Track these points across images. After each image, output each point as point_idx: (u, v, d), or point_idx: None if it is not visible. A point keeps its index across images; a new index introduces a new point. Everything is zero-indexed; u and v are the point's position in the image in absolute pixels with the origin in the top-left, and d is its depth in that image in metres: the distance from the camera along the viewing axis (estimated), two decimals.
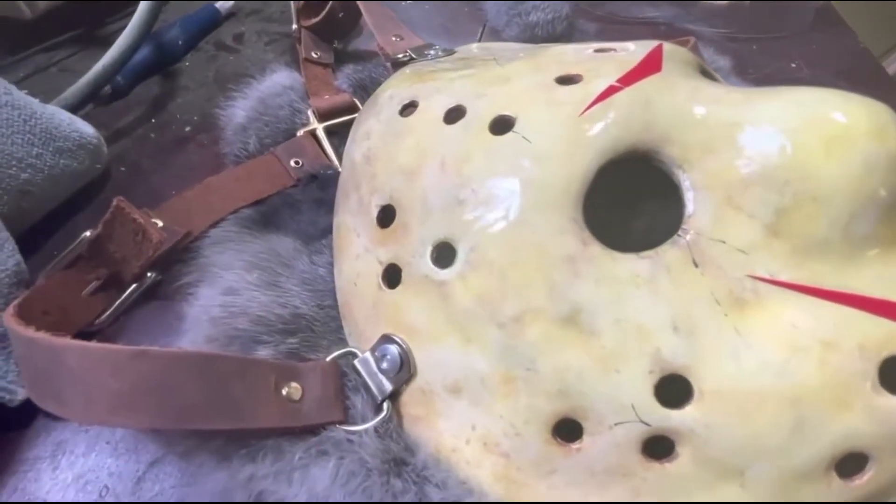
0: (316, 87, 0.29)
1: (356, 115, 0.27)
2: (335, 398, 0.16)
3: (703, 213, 0.14)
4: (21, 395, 0.16)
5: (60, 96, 0.23)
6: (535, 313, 0.14)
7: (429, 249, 0.16)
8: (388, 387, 0.16)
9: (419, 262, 0.16)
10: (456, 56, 0.23)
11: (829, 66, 0.38)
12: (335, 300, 0.20)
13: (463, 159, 0.16)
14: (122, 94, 0.29)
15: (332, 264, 0.20)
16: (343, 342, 0.19)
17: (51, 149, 0.20)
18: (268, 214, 0.23)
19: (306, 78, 0.30)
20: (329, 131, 0.26)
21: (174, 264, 0.21)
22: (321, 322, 0.19)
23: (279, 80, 0.28)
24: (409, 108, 0.20)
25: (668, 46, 0.18)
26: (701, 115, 0.15)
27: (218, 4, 0.35)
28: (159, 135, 0.28)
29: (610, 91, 0.16)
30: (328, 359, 0.17)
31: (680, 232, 0.14)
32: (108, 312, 0.19)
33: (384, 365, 0.16)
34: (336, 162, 0.25)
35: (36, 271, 0.19)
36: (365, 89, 0.28)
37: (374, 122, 0.20)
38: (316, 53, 0.32)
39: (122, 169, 0.25)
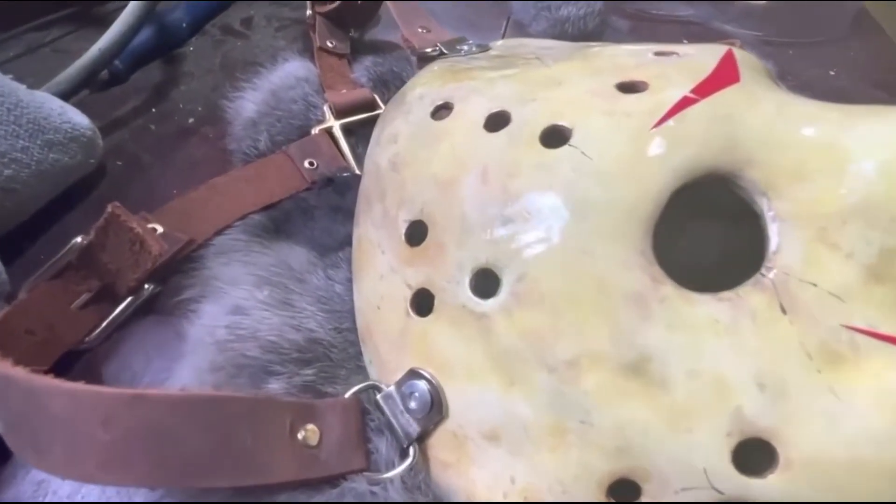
0: (331, 80, 0.27)
1: (377, 112, 0.25)
2: (357, 441, 0.14)
3: (791, 250, 0.12)
4: None
5: (52, 81, 0.21)
6: (594, 358, 0.12)
7: (468, 276, 0.14)
8: (416, 429, 0.14)
9: (456, 290, 0.14)
10: (492, 53, 0.21)
11: (868, 75, 0.36)
12: (353, 322, 0.18)
13: (509, 173, 0.14)
14: (120, 79, 0.27)
15: (350, 280, 0.18)
16: (363, 370, 0.17)
17: (39, 142, 0.18)
18: (279, 221, 0.20)
19: (321, 69, 0.27)
20: (346, 129, 0.24)
21: (174, 275, 0.19)
22: (339, 348, 0.17)
23: (292, 70, 0.26)
24: (442, 110, 0.17)
25: (738, 52, 0.16)
26: (792, 134, 0.13)
27: None
28: (160, 126, 0.25)
29: (685, 103, 0.13)
30: (348, 394, 0.15)
31: (763, 270, 0.12)
32: (99, 328, 0.17)
33: (412, 404, 0.14)
34: (353, 163, 0.23)
35: (20, 279, 0.17)
36: (385, 84, 0.26)
37: (402, 124, 0.18)
38: (331, 42, 0.29)
39: (119, 163, 0.23)
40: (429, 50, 0.22)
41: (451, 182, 0.15)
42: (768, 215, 0.13)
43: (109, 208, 0.16)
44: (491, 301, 0.14)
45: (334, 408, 0.14)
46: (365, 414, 0.15)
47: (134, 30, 0.22)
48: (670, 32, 0.37)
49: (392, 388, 0.15)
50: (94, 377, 0.17)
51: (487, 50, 0.21)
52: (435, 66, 0.20)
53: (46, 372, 0.14)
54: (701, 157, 0.13)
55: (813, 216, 0.12)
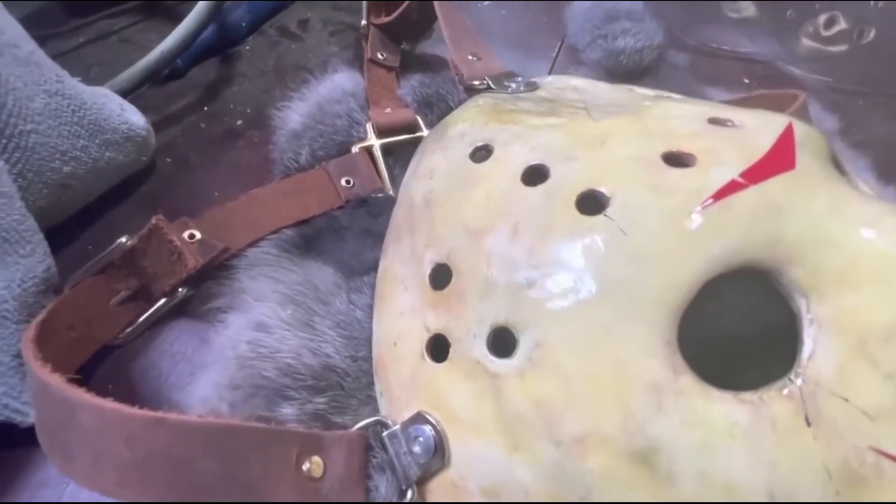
0: (377, 95, 0.27)
1: (418, 134, 0.25)
2: (358, 477, 0.14)
3: (826, 359, 0.12)
4: (32, 417, 0.15)
5: (115, 79, 0.22)
6: (602, 440, 0.12)
7: (486, 331, 0.14)
8: (417, 473, 0.15)
9: (472, 343, 0.15)
10: (539, 95, 0.20)
11: None
12: (370, 350, 0.18)
13: (540, 233, 0.14)
14: (178, 75, 0.28)
15: (371, 307, 0.19)
16: (373, 401, 0.17)
17: (97, 141, 0.19)
18: (310, 237, 0.21)
19: (368, 81, 0.28)
20: (386, 149, 0.24)
21: (207, 281, 0.19)
22: (353, 377, 0.17)
23: (340, 82, 0.26)
24: (481, 152, 0.17)
25: (799, 130, 0.15)
26: (843, 235, 0.12)
27: None
28: (210, 125, 0.26)
29: (732, 188, 0.13)
30: (355, 428, 0.15)
31: (792, 376, 0.12)
32: (133, 326, 0.18)
33: (416, 447, 0.15)
34: (389, 185, 0.23)
35: (69, 265, 0.18)
36: (430, 106, 0.26)
37: (440, 160, 0.18)
38: (382, 55, 0.30)
39: (169, 160, 0.24)
40: (476, 83, 0.22)
41: (481, 232, 0.15)
42: (806, 318, 0.12)
43: (154, 220, 0.16)
44: (506, 361, 0.14)
45: (340, 442, 0.15)
46: (369, 450, 0.15)
47: (195, 34, 0.23)
48: (731, 70, 0.35)
49: (398, 428, 0.15)
50: (123, 373, 0.18)
51: (535, 90, 0.21)
52: (480, 101, 0.20)
53: (81, 370, 0.15)
54: (742, 249, 0.12)
55: (855, 327, 0.12)
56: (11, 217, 0.15)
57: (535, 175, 0.16)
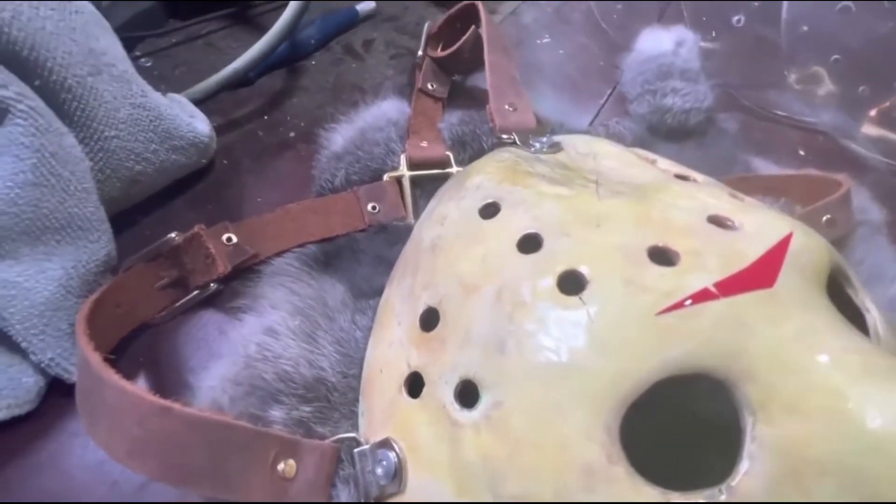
0: (419, 124, 0.29)
1: (446, 170, 0.27)
2: (325, 484, 0.16)
3: (758, 481, 0.12)
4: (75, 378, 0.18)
5: (193, 88, 0.25)
6: None
7: (456, 380, 0.16)
8: (375, 492, 0.16)
9: (443, 389, 0.16)
10: (559, 158, 0.21)
11: None
12: (361, 369, 0.20)
13: (520, 303, 0.16)
14: (249, 82, 0.31)
15: (370, 330, 0.21)
16: (354, 416, 0.19)
17: (166, 146, 0.22)
18: (330, 255, 0.23)
19: (414, 111, 0.29)
20: (414, 181, 0.26)
21: (236, 280, 0.22)
22: (340, 392, 0.19)
23: (386, 110, 0.28)
24: (490, 209, 0.19)
25: (796, 243, 0.15)
26: (802, 364, 0.13)
27: (359, 6, 0.36)
28: (267, 134, 0.29)
29: (703, 296, 0.14)
30: (331, 440, 0.17)
31: (723, 487, 0.13)
32: (169, 310, 0.21)
33: (378, 470, 0.16)
34: (412, 215, 0.25)
35: (129, 246, 0.21)
36: (463, 145, 0.27)
37: (453, 209, 0.20)
38: (432, 85, 0.31)
39: (225, 162, 0.27)
40: (504, 137, 0.23)
41: (472, 288, 0.17)
42: (750, 435, 0.13)
43: (196, 228, 0.19)
44: (467, 412, 0.15)
45: (315, 450, 0.17)
46: (339, 462, 0.17)
47: (265, 56, 0.26)
48: (788, 139, 0.34)
49: (368, 448, 0.17)
50: (155, 349, 0.21)
51: (558, 151, 0.22)
52: (504, 155, 0.21)
53: (121, 342, 0.18)
54: (698, 357, 0.13)
55: (794, 456, 0.12)
56: (87, 209, 0.18)
57: (529, 243, 0.17)
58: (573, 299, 0.15)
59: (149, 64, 0.31)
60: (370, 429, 0.18)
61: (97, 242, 0.19)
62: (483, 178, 0.20)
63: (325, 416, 0.18)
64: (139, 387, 0.15)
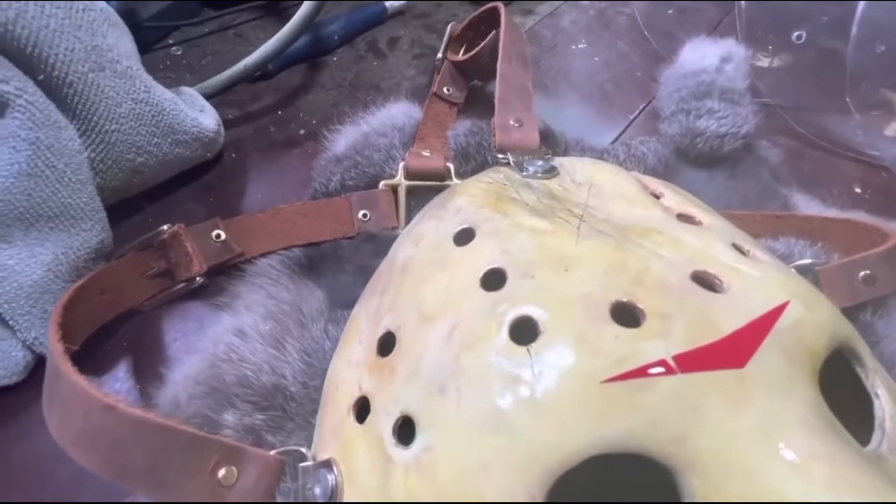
0: (427, 131, 0.28)
1: (444, 182, 0.26)
2: (264, 495, 0.17)
3: None
4: None
5: (203, 83, 0.26)
6: None
7: (397, 415, 0.15)
8: None
9: (383, 421, 0.16)
10: (550, 185, 0.20)
11: None
12: (323, 381, 0.20)
13: (469, 344, 0.15)
14: (268, 76, 0.31)
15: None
16: (311, 426, 0.19)
17: (169, 140, 0.23)
18: (314, 260, 0.23)
19: (425, 115, 0.29)
20: (410, 191, 0.25)
21: (222, 275, 0.23)
22: (297, 402, 0.19)
23: (392, 115, 0.28)
24: (465, 235, 0.18)
25: (790, 317, 0.13)
26: (757, 467, 0.11)
27: (388, 3, 0.35)
28: (278, 130, 0.29)
29: (658, 367, 0.12)
30: (276, 452, 0.17)
31: None
32: (156, 298, 0.22)
33: (317, 489, 0.16)
34: (404, 225, 0.25)
35: (132, 231, 0.22)
36: (467, 158, 0.26)
37: (431, 230, 0.19)
38: (448, 90, 0.30)
39: (234, 155, 0.28)
40: (500, 156, 0.22)
41: (429, 320, 0.16)
42: None
43: (176, 227, 0.20)
44: (401, 450, 0.15)
45: (258, 460, 0.17)
46: (281, 474, 0.17)
47: (277, 53, 0.26)
48: (842, 173, 0.31)
49: (311, 465, 0.17)
50: (138, 335, 0.22)
51: (552, 177, 0.21)
52: (491, 176, 0.20)
53: (107, 326, 0.19)
54: (639, 438, 0.12)
55: None
56: (81, 199, 0.19)
57: (493, 279, 0.16)
58: (521, 350, 0.14)
59: (179, 52, 0.32)
60: (319, 444, 0.18)
61: (90, 231, 0.20)
62: (465, 200, 0.19)
63: (278, 425, 0.18)
64: (117, 374, 0.15)
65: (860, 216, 0.26)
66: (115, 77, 0.20)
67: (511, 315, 0.14)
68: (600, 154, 0.28)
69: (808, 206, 0.28)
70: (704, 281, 0.15)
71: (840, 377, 0.15)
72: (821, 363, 0.13)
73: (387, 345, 0.17)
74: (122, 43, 0.20)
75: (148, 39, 0.31)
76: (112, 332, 0.21)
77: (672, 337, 0.13)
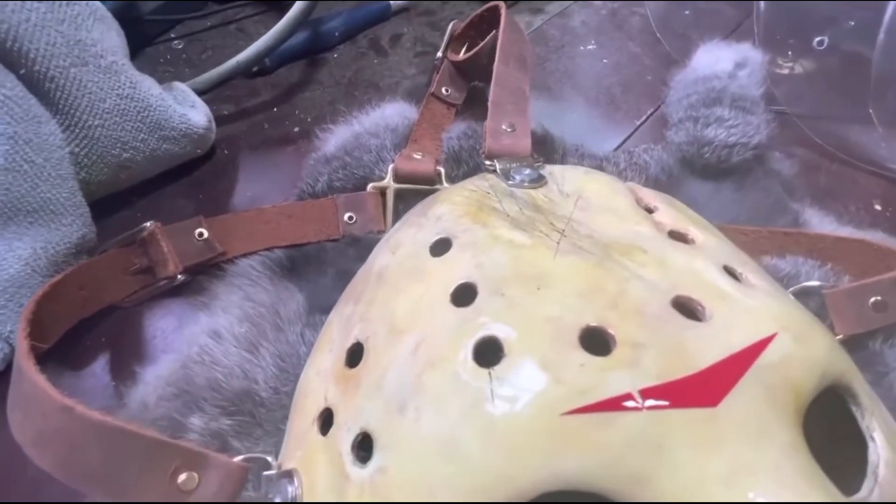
0: (421, 132, 0.28)
1: (434, 187, 0.25)
2: (224, 501, 0.16)
3: None
4: None
5: (196, 79, 0.26)
6: None
7: (357, 430, 0.15)
8: None
9: (344, 436, 0.15)
10: (535, 196, 0.19)
11: None
12: (295, 387, 0.19)
13: (433, 362, 0.14)
14: (266, 72, 0.31)
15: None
16: (281, 432, 0.19)
17: (156, 136, 0.22)
18: (296, 262, 0.23)
19: (421, 116, 0.28)
20: (399, 194, 0.25)
21: (203, 274, 0.22)
22: (267, 408, 0.19)
23: (387, 115, 0.27)
24: (441, 246, 0.17)
25: (775, 352, 0.12)
26: None
27: (393, 3, 0.35)
28: (272, 127, 0.29)
29: (622, 402, 0.11)
30: (240, 459, 0.17)
31: None
32: (137, 295, 0.22)
33: (277, 499, 0.16)
34: (390, 228, 0.24)
35: (119, 226, 0.22)
36: (458, 162, 0.26)
37: (409, 238, 0.18)
38: (447, 90, 0.30)
39: (226, 152, 0.28)
40: (487, 163, 0.21)
41: (397, 333, 0.16)
42: None
43: (153, 227, 0.19)
44: (357, 468, 0.14)
45: (220, 468, 0.16)
46: (244, 482, 0.17)
47: (265, 54, 0.26)
48: (862, 188, 0.29)
49: (273, 474, 0.17)
50: (118, 331, 0.22)
51: (539, 187, 0.20)
52: (475, 184, 0.20)
53: (87, 321, 0.19)
54: (597, 477, 0.11)
55: None
56: (61, 195, 0.19)
57: (464, 295, 0.15)
58: (483, 373, 0.13)
59: (180, 46, 0.32)
60: (286, 453, 0.18)
61: (70, 226, 0.20)
62: (447, 208, 0.19)
63: (245, 431, 0.18)
64: (94, 370, 0.15)
65: (877, 236, 0.25)
66: (98, 72, 0.19)
67: (477, 334, 0.14)
68: (600, 161, 0.27)
69: (821, 222, 0.26)
70: (686, 307, 0.14)
71: (837, 413, 0.14)
72: (807, 402, 0.12)
73: (355, 356, 0.17)
74: (108, 38, 0.20)
75: (150, 33, 0.31)
76: (92, 327, 0.21)
77: (641, 368, 0.12)
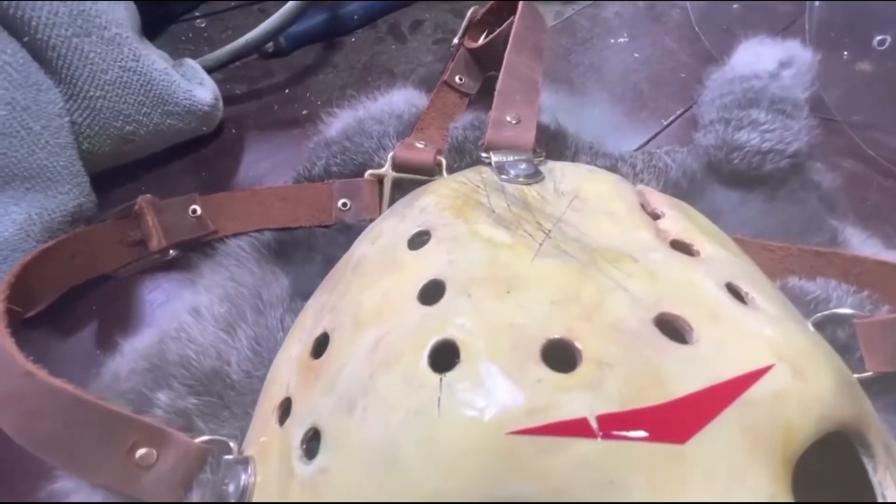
0: (430, 121, 0.27)
1: (431, 177, 0.24)
2: (181, 483, 0.16)
3: None
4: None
5: (205, 56, 0.26)
6: None
7: (308, 425, 0.14)
8: None
9: (296, 429, 0.15)
10: (527, 193, 0.18)
11: None
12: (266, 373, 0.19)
13: (388, 362, 0.13)
14: (282, 53, 0.31)
15: None
16: (249, 417, 0.18)
17: (159, 111, 0.23)
18: (285, 245, 0.22)
19: (431, 104, 0.27)
20: (396, 183, 0.24)
21: (194, 251, 0.22)
22: (237, 391, 0.18)
23: (394, 102, 0.26)
24: (420, 239, 0.16)
25: (766, 388, 0.11)
26: None
27: None
28: (282, 109, 0.29)
29: (575, 429, 0.10)
30: (201, 440, 0.17)
31: None
32: (130, 266, 0.22)
33: (231, 487, 0.16)
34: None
35: (124, 198, 0.22)
36: (461, 153, 0.24)
37: (391, 229, 0.18)
38: (461, 79, 0.28)
39: (234, 131, 0.28)
40: (483, 155, 0.20)
41: (360, 327, 0.15)
42: None
43: (140, 202, 0.19)
44: (303, 464, 0.14)
45: (179, 446, 0.16)
46: (203, 463, 0.17)
47: (278, 31, 0.25)
48: None
49: (232, 459, 0.16)
50: (108, 301, 0.22)
51: (536, 182, 0.18)
52: (471, 176, 0.19)
53: (79, 288, 0.19)
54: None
55: None
56: (59, 162, 0.19)
57: (431, 293, 0.14)
58: (435, 379, 0.12)
59: (203, 25, 0.33)
60: (250, 438, 0.17)
61: (67, 194, 0.20)
62: (432, 200, 0.18)
63: (212, 412, 0.18)
64: (82, 337, 0.15)
65: None
66: (101, 43, 0.20)
67: (436, 336, 0.13)
68: (615, 161, 0.25)
69: (863, 244, 0.23)
70: (671, 326, 0.12)
71: (848, 462, 0.12)
72: (801, 447, 0.11)
73: (321, 347, 0.16)
74: (114, 10, 0.20)
75: (176, 11, 0.32)
76: (84, 295, 0.21)
77: (603, 391, 0.11)
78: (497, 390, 0.11)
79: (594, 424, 0.10)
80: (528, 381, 0.11)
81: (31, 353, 0.15)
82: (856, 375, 0.18)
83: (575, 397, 0.10)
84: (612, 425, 0.10)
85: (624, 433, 0.10)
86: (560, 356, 0.12)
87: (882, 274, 0.21)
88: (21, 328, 0.19)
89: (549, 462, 0.10)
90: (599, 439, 0.10)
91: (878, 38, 0.26)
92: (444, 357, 0.12)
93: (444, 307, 0.13)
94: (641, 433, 0.10)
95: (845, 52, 0.27)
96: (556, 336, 0.12)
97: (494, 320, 0.13)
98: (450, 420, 0.11)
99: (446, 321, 0.13)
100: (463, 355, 0.12)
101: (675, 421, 0.10)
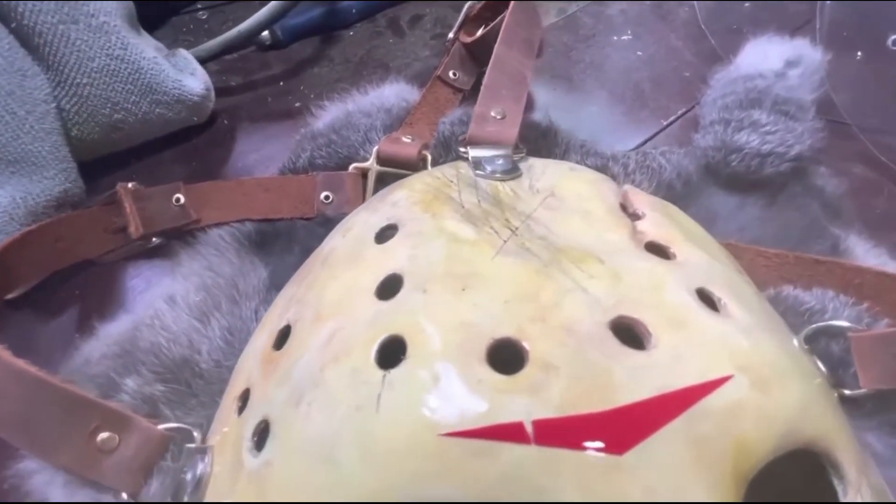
0: (419, 116, 0.26)
1: (415, 172, 0.24)
2: (142, 469, 0.16)
3: None
4: None
5: (198, 47, 0.26)
6: None
7: (260, 417, 0.14)
8: (183, 496, 0.16)
9: (248, 420, 0.14)
10: (499, 189, 0.17)
11: None
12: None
13: (338, 356, 0.13)
14: (279, 46, 0.31)
15: None
16: (216, 406, 0.18)
17: (148, 99, 0.23)
18: (266, 236, 0.22)
19: (423, 99, 0.27)
20: (380, 177, 0.23)
21: (176, 240, 0.23)
22: (205, 380, 0.18)
23: (384, 96, 0.26)
24: (386, 233, 0.16)
25: (722, 399, 0.10)
26: None
27: None
28: (276, 101, 0.29)
29: (512, 434, 0.10)
30: (163, 427, 0.17)
31: None
32: (113, 253, 0.22)
33: (189, 475, 0.16)
34: None
35: (113, 188, 0.23)
36: (447, 148, 0.24)
37: (362, 222, 0.17)
38: (454, 74, 0.28)
39: (226, 122, 0.28)
40: (462, 150, 0.19)
41: (319, 320, 0.15)
42: None
43: (119, 189, 0.19)
44: (251, 456, 0.13)
45: (141, 432, 0.16)
46: (165, 450, 0.17)
47: (269, 22, 0.25)
48: None
49: (193, 448, 0.16)
50: (90, 286, 0.22)
51: (512, 178, 0.18)
52: (444, 172, 0.18)
53: (62, 272, 0.19)
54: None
55: None
56: (44, 148, 0.20)
57: (389, 287, 0.14)
58: (378, 375, 0.12)
59: (204, 16, 0.33)
60: (214, 427, 0.17)
61: (52, 179, 0.20)
62: (404, 194, 0.17)
63: (179, 399, 0.18)
64: (62, 321, 0.16)
65: None
66: (88, 31, 0.20)
67: (386, 331, 0.12)
68: (606, 160, 0.24)
69: (867, 254, 0.22)
70: (629, 330, 0.12)
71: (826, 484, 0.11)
72: (758, 464, 0.10)
73: (283, 338, 0.16)
74: None
75: (178, 2, 0.32)
76: (68, 279, 0.22)
77: (544, 395, 0.10)
78: (437, 390, 0.11)
79: (529, 430, 0.10)
80: (469, 381, 0.11)
81: (12, 335, 0.15)
82: (849, 392, 0.17)
83: (514, 400, 0.10)
84: (547, 431, 0.10)
85: (558, 440, 0.09)
86: (511, 358, 0.11)
87: (884, 285, 0.20)
88: (2, 309, 0.19)
89: (478, 465, 0.10)
90: (533, 445, 0.09)
91: (894, 37, 0.25)
92: (395, 353, 0.12)
93: (399, 302, 0.13)
94: (576, 441, 0.09)
95: (858, 53, 0.26)
96: (505, 336, 0.11)
97: (446, 317, 0.12)
98: (386, 418, 0.11)
99: (399, 316, 0.13)
100: (409, 352, 0.12)
101: (616, 430, 0.10)
